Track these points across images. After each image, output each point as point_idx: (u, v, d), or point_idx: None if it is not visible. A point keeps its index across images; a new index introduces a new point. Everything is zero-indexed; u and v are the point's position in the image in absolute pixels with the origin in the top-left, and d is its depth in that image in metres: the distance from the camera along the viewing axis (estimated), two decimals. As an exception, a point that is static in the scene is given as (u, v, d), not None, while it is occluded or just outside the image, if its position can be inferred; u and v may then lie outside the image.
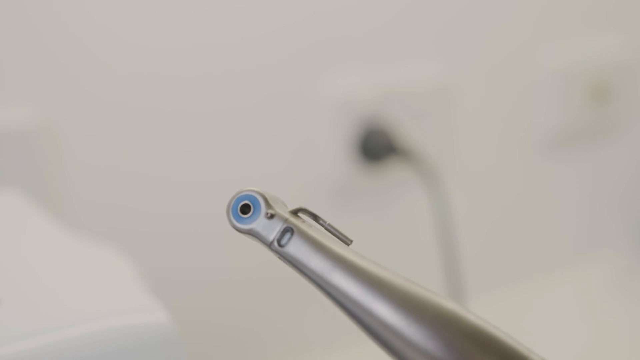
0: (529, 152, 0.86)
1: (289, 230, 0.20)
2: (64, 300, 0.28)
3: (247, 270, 0.72)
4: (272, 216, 0.20)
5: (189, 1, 0.63)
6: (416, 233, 0.78)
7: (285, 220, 0.20)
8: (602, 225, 0.95)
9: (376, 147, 0.72)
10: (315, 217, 0.21)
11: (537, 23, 0.83)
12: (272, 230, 0.20)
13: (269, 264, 0.71)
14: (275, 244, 0.20)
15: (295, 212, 0.21)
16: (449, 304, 0.18)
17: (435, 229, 0.75)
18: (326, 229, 0.21)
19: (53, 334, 0.25)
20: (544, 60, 0.84)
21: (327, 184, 0.73)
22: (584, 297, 0.89)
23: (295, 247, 0.19)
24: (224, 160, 0.68)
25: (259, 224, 0.20)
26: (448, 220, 0.73)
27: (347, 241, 0.20)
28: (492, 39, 0.81)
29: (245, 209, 0.20)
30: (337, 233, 0.21)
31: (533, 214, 0.89)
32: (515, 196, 0.87)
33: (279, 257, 0.20)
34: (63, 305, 0.28)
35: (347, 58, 0.72)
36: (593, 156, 0.91)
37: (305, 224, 0.20)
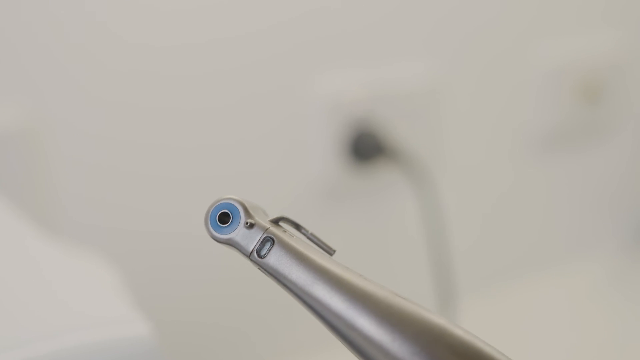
0: (520, 151, 0.86)
1: (269, 240, 0.19)
2: (41, 313, 0.28)
3: (235, 270, 0.71)
4: (251, 225, 0.19)
5: (177, 0, 0.63)
6: (406, 234, 0.78)
7: (266, 230, 0.19)
8: (593, 225, 0.95)
9: (366, 147, 0.72)
10: (297, 226, 0.20)
11: (529, 22, 0.83)
12: (251, 241, 0.19)
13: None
14: (255, 254, 0.19)
15: (276, 222, 0.20)
16: (436, 319, 0.17)
17: (425, 229, 0.74)
18: (308, 238, 0.20)
19: (28, 348, 0.25)
20: (535, 59, 0.84)
21: (317, 184, 0.73)
22: (574, 297, 0.89)
23: (275, 258, 0.19)
24: (212, 158, 0.67)
25: (238, 233, 0.19)
26: (438, 221, 0.73)
27: (330, 251, 0.19)
28: (483, 38, 0.80)
29: (224, 218, 0.19)
30: (319, 243, 0.20)
31: (524, 214, 0.89)
32: (506, 196, 0.87)
33: (258, 268, 0.20)
34: (39, 318, 0.27)
35: (337, 58, 0.72)
36: (584, 156, 0.92)
37: (286, 233, 0.20)
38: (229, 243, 0.19)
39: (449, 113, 0.79)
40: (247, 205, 0.18)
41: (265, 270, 0.19)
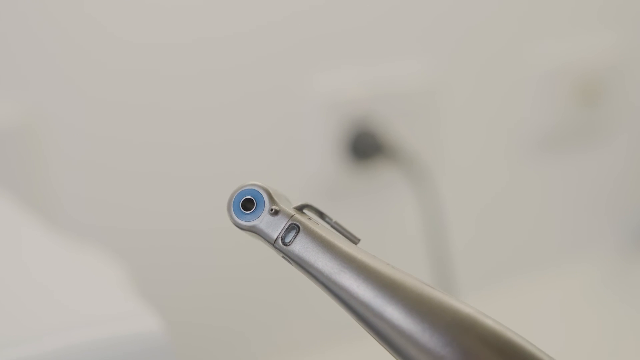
0: (518, 152, 0.87)
1: (294, 227, 0.19)
2: (39, 311, 0.27)
3: (232, 270, 0.73)
4: (276, 212, 0.19)
5: None
6: (404, 233, 0.78)
7: (291, 217, 0.19)
8: (589, 226, 0.96)
9: (364, 146, 0.72)
10: (322, 215, 0.20)
11: (526, 22, 0.84)
12: (276, 228, 0.19)
13: (254, 264, 0.73)
14: (280, 242, 0.19)
15: (300, 209, 0.20)
16: (467, 308, 0.17)
17: (423, 228, 0.75)
18: (332, 227, 0.20)
19: (36, 344, 0.24)
20: (532, 59, 0.85)
21: (315, 183, 0.73)
22: (569, 297, 0.90)
23: (301, 246, 0.18)
24: (210, 157, 0.67)
25: (262, 220, 0.19)
26: (436, 220, 0.73)
27: (354, 240, 0.19)
28: (481, 37, 0.81)
29: (247, 204, 0.19)
30: (344, 231, 0.20)
31: (520, 214, 0.89)
32: (503, 196, 0.87)
33: (282, 257, 0.19)
34: (37, 315, 0.27)
35: (335, 56, 0.72)
36: (581, 157, 0.92)
37: (311, 221, 0.19)
38: (253, 230, 0.19)
39: (446, 112, 0.79)
40: (271, 191, 0.18)
41: (290, 258, 0.18)
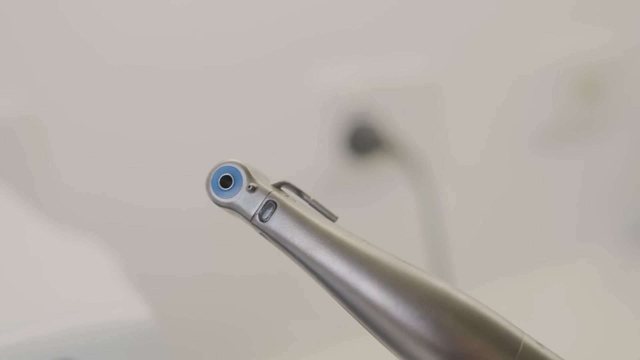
0: (518, 148, 0.87)
1: (271, 204, 0.19)
2: (40, 296, 0.28)
3: (231, 267, 0.73)
4: (254, 189, 0.19)
5: None
6: (403, 228, 0.79)
7: (268, 193, 0.19)
8: (590, 221, 0.96)
9: (364, 141, 0.73)
10: (299, 192, 0.20)
11: (527, 18, 0.84)
12: (253, 204, 0.19)
13: (253, 261, 0.73)
14: (257, 218, 0.19)
15: (278, 186, 0.20)
16: (440, 283, 0.17)
17: (422, 223, 0.75)
18: (310, 204, 0.20)
19: (28, 329, 0.25)
20: (533, 56, 0.85)
21: (315, 178, 0.74)
22: (571, 292, 0.90)
23: (277, 222, 0.18)
24: (211, 153, 0.68)
25: (240, 197, 0.19)
26: (435, 215, 0.74)
27: (332, 218, 0.19)
28: (481, 34, 0.81)
29: (225, 181, 0.19)
30: (321, 209, 0.20)
31: (521, 210, 0.90)
32: (504, 192, 0.88)
33: (260, 233, 0.19)
34: (35, 300, 0.28)
35: (335, 53, 0.73)
36: (581, 153, 0.93)
37: (288, 198, 0.19)
38: (231, 207, 0.19)
39: (446, 108, 0.80)
40: (249, 168, 0.19)
41: (267, 234, 0.19)
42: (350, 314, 0.17)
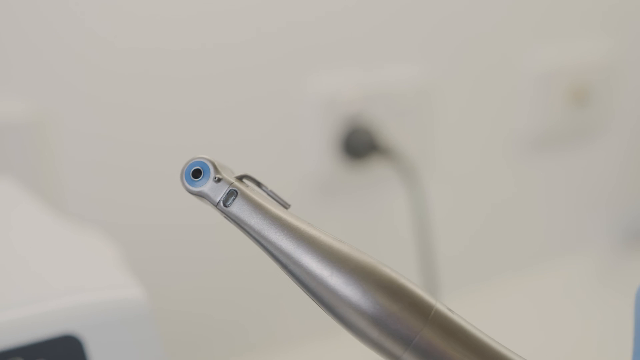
0: (510, 152, 0.90)
1: (233, 192, 0.22)
2: (45, 277, 0.32)
3: (231, 264, 0.76)
4: (219, 180, 0.22)
5: (178, 6, 0.67)
6: (395, 228, 0.82)
7: (231, 184, 0.22)
8: (583, 223, 0.98)
9: (359, 145, 0.76)
10: (258, 184, 0.24)
11: (520, 28, 0.87)
12: (219, 193, 0.22)
13: (252, 259, 0.74)
14: (221, 204, 0.22)
15: (240, 178, 0.23)
16: (368, 258, 0.21)
17: (413, 224, 0.78)
18: (267, 194, 0.23)
19: (30, 307, 0.29)
20: (526, 64, 0.88)
21: (312, 180, 0.77)
22: (564, 294, 0.91)
23: (237, 207, 0.22)
24: (212, 157, 0.71)
25: (208, 187, 0.22)
26: (425, 217, 0.77)
27: (285, 205, 0.23)
28: (475, 43, 0.84)
29: (196, 173, 0.22)
30: (276, 197, 0.23)
31: (512, 212, 0.92)
32: (495, 194, 0.90)
33: (224, 216, 0.23)
34: (43, 281, 0.32)
35: (332, 60, 0.75)
36: (573, 156, 0.95)
37: (248, 188, 0.23)
38: (200, 194, 0.22)
39: (440, 114, 0.82)
40: (216, 163, 0.22)
41: (229, 217, 0.22)
42: (295, 282, 0.21)
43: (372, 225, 0.82)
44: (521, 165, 0.91)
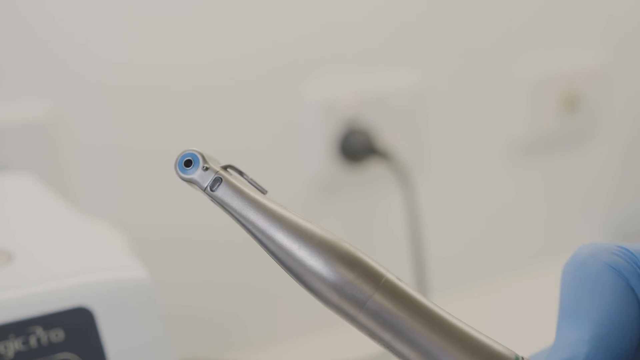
0: (504, 156, 0.93)
1: (218, 179, 0.26)
2: (62, 259, 0.37)
3: (231, 261, 0.80)
4: (207, 169, 0.26)
5: (185, 25, 0.72)
6: (389, 228, 0.85)
7: (216, 172, 0.26)
8: (576, 226, 1.01)
9: (356, 149, 0.80)
10: (241, 173, 0.27)
11: (515, 38, 0.91)
12: (206, 179, 0.26)
13: (252, 257, 0.77)
14: (209, 189, 0.26)
15: (224, 167, 0.27)
16: (330, 235, 0.25)
17: (406, 224, 0.82)
18: (248, 181, 0.27)
19: (49, 283, 0.34)
20: (520, 71, 0.91)
21: (312, 182, 0.81)
22: (553, 297, 0.95)
23: (222, 192, 0.26)
24: (221, 160, 0.75)
25: (197, 174, 0.26)
26: (418, 218, 0.81)
27: (263, 191, 0.27)
28: (471, 51, 0.88)
29: (187, 163, 0.26)
30: (255, 184, 0.27)
31: (507, 215, 0.95)
32: (490, 197, 0.93)
33: (210, 199, 0.26)
34: (60, 262, 0.37)
35: (330, 68, 0.79)
36: (566, 160, 0.98)
37: (231, 176, 0.26)
38: (190, 181, 0.26)
39: (436, 119, 0.86)
40: (204, 154, 0.26)
41: (215, 200, 0.26)
42: (268, 254, 0.25)
43: (368, 224, 0.85)
44: (515, 168, 0.94)
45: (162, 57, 0.71)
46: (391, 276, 0.24)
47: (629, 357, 0.24)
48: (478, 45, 0.88)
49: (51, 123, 0.67)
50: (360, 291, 0.24)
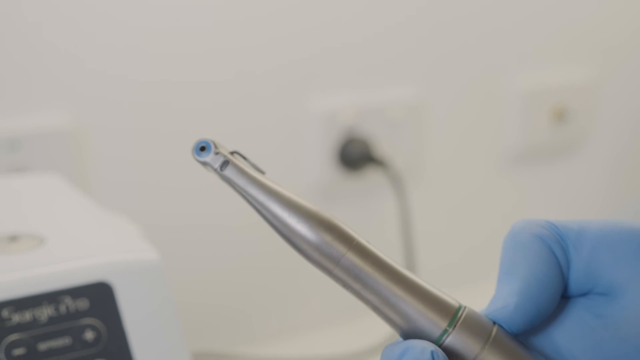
0: (496, 165, 0.98)
1: (227, 162, 0.31)
2: (87, 242, 0.44)
3: (239, 260, 0.85)
4: (217, 153, 0.31)
5: (201, 44, 0.78)
6: (384, 232, 0.90)
7: (225, 156, 0.31)
8: None
9: (355, 157, 0.85)
10: (245, 158, 0.32)
11: (507, 53, 0.96)
12: (217, 162, 0.31)
13: (258, 256, 0.85)
14: (219, 169, 0.31)
15: (232, 153, 0.32)
16: (314, 207, 0.30)
17: (400, 229, 0.88)
18: (250, 164, 0.32)
19: (77, 261, 0.41)
20: (512, 85, 0.96)
21: (314, 187, 0.87)
22: None
23: (229, 172, 0.31)
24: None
25: (210, 158, 0.31)
26: (410, 224, 0.87)
27: (262, 172, 0.32)
28: (465, 66, 0.93)
29: (202, 148, 0.31)
30: (256, 166, 0.32)
31: (496, 223, 0.98)
32: (482, 205, 0.98)
33: (220, 178, 0.32)
34: (86, 245, 0.43)
35: (332, 83, 0.85)
36: (555, 170, 1.03)
37: (237, 159, 0.32)
38: (204, 163, 0.31)
39: (430, 131, 0.91)
40: (216, 142, 0.32)
41: (224, 178, 0.31)
42: (265, 221, 0.31)
43: (366, 228, 0.90)
44: (507, 178, 0.99)
45: (178, 75, 0.78)
46: (361, 239, 0.30)
47: (550, 307, 0.29)
48: (472, 62, 0.93)
49: (76, 130, 0.73)
50: (336, 250, 0.30)
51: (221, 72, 0.80)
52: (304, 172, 0.86)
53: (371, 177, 0.88)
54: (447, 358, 0.28)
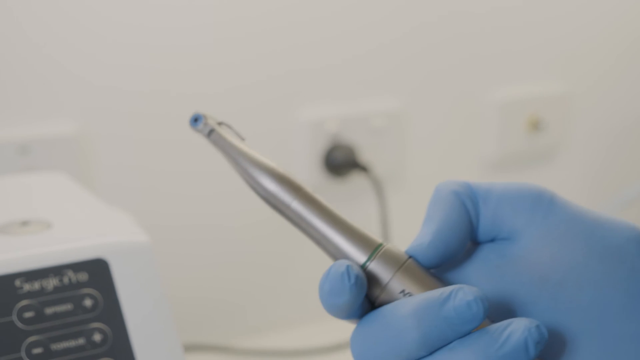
0: (473, 171, 1.04)
1: (213, 130, 0.37)
2: (89, 226, 0.51)
3: (235, 257, 0.91)
4: (206, 124, 0.37)
5: (199, 59, 0.84)
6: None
7: (212, 126, 0.37)
8: None
9: (339, 163, 0.92)
10: (230, 127, 0.39)
11: (485, 65, 1.02)
12: (205, 130, 0.37)
13: (253, 254, 0.91)
14: (207, 135, 0.37)
15: (219, 123, 0.38)
16: (279, 167, 0.36)
17: (380, 231, 0.94)
18: (235, 132, 0.38)
19: (79, 242, 0.48)
20: (490, 96, 1.02)
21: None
22: None
23: (214, 137, 0.37)
24: (223, 179, 0.85)
25: (200, 127, 0.37)
26: (388, 228, 0.93)
27: (242, 138, 0.38)
28: (445, 78, 0.98)
29: (196, 119, 0.38)
30: (237, 133, 0.38)
31: None
32: None
33: (209, 142, 0.37)
34: (88, 228, 0.51)
35: (318, 94, 0.91)
36: (531, 176, 1.09)
37: (222, 128, 0.38)
38: (196, 130, 0.37)
39: (411, 139, 0.97)
40: (207, 114, 0.38)
41: (211, 142, 0.37)
42: (238, 174, 0.37)
43: None
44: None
45: (176, 87, 0.84)
46: (309, 189, 0.37)
47: (459, 246, 0.35)
48: (452, 75, 0.99)
49: (80, 136, 0.79)
50: (289, 195, 0.36)
51: (217, 84, 0.86)
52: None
53: (355, 181, 0.94)
54: (361, 270, 0.34)
